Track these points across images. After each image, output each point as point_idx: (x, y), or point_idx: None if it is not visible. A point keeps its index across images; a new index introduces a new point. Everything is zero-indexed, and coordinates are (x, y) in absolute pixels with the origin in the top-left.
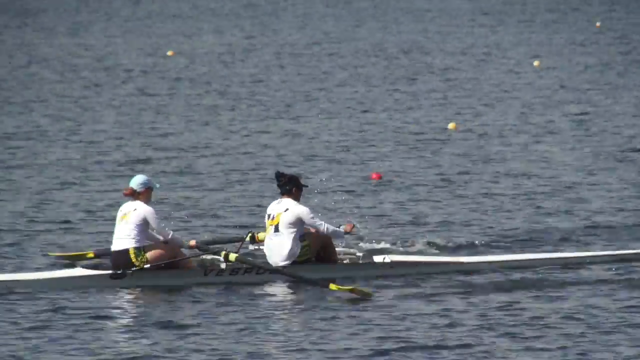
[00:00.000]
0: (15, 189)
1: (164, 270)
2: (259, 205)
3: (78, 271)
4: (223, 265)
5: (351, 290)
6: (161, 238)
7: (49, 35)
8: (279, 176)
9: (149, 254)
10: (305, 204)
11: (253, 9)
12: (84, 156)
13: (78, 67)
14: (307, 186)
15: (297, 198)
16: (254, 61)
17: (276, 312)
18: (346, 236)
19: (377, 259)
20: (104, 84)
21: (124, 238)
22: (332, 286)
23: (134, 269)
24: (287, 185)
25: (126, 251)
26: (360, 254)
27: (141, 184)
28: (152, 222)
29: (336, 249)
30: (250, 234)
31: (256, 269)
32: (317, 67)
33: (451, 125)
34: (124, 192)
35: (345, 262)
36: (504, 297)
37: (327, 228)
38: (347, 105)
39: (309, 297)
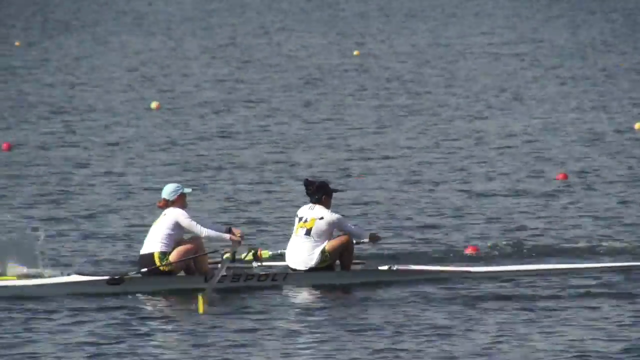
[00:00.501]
0: (213, 190)
1: (162, 276)
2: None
3: (73, 277)
4: (224, 271)
5: (202, 298)
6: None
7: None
8: (308, 185)
9: (172, 254)
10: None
11: (453, 9)
12: (267, 159)
13: (278, 67)
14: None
15: (327, 205)
16: (444, 63)
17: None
18: (367, 242)
19: (382, 267)
20: (294, 84)
21: (151, 242)
22: (200, 297)
23: (130, 274)
24: (316, 194)
25: (151, 255)
26: (364, 262)
27: (172, 192)
28: (183, 222)
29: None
30: (252, 251)
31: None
32: (507, 66)
33: (638, 125)
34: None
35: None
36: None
37: (356, 231)
38: (535, 105)
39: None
